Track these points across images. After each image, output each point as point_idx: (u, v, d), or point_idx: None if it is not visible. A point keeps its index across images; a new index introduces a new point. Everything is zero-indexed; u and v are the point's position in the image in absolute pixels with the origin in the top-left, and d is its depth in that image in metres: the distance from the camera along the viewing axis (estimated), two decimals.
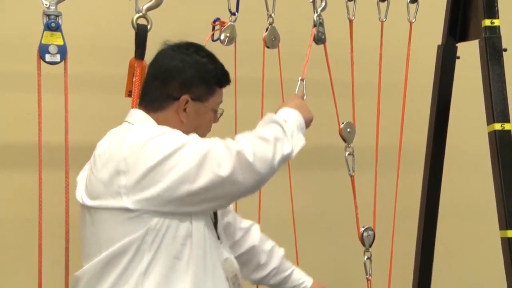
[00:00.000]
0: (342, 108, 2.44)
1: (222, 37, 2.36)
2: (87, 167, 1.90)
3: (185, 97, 1.86)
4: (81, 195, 1.83)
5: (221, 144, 1.72)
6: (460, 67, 2.52)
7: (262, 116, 2.36)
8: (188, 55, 1.91)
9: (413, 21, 2.61)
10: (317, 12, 2.30)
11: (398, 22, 2.58)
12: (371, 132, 2.55)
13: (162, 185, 1.71)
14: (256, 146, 1.73)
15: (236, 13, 2.35)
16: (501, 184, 2.21)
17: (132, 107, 2.17)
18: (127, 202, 1.73)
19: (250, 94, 2.04)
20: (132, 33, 2.24)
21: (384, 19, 2.56)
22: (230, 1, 2.36)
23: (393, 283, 2.57)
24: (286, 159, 1.78)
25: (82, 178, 1.88)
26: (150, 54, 2.18)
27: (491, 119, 2.23)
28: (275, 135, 1.76)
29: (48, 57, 2.20)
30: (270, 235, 2.27)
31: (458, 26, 2.53)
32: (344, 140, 2.34)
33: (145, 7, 2.24)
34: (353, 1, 2.49)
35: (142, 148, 1.72)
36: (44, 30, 2.17)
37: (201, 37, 2.29)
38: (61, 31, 2.19)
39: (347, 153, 2.35)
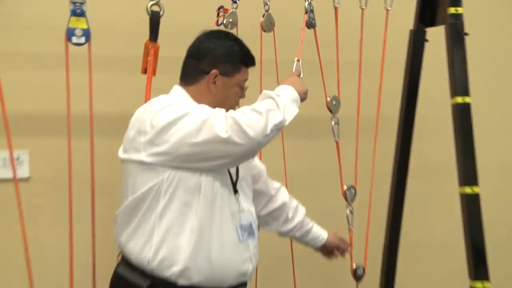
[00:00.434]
0: (329, 84, 2.50)
1: (225, 22, 2.39)
2: None
3: (214, 71, 1.96)
4: (120, 151, 1.96)
5: (221, 113, 1.83)
6: (428, 48, 2.55)
7: (260, 90, 2.41)
8: (219, 38, 2.01)
9: (389, 9, 2.66)
10: (308, 1, 2.35)
11: (377, 9, 2.64)
12: (353, 104, 2.59)
13: (169, 143, 1.81)
14: (250, 116, 1.80)
15: (237, 1, 2.38)
16: (461, 146, 2.22)
17: (147, 83, 2.28)
18: (143, 156, 1.85)
19: (250, 72, 2.07)
20: (147, 19, 2.26)
21: (364, 7, 2.61)
22: None
23: (371, 232, 2.64)
24: (279, 126, 1.83)
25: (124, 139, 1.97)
26: (162, 36, 2.29)
27: (454, 93, 2.25)
28: (267, 107, 1.83)
29: (74, 39, 2.25)
30: None
31: (427, 13, 2.53)
32: (331, 111, 2.37)
33: None
34: None
35: (157, 114, 1.84)
36: (71, 15, 2.21)
37: (207, 22, 2.35)
38: (85, 17, 2.23)
39: (333, 122, 2.37)
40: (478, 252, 2.17)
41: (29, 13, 2.64)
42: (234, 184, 1.98)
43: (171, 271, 1.85)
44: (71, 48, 2.25)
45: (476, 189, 2.19)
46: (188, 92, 1.98)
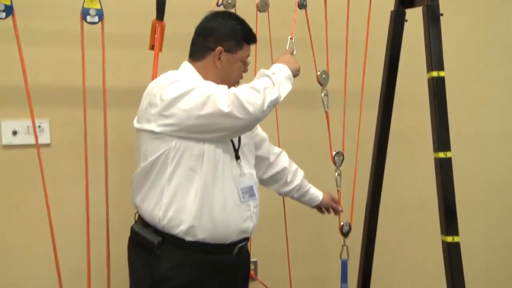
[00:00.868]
0: (319, 59, 2.51)
1: (224, 2, 2.39)
2: None
3: (219, 48, 1.98)
4: (135, 120, 1.98)
5: (224, 89, 1.86)
6: (408, 28, 2.54)
7: (255, 66, 2.42)
8: (223, 18, 2.02)
9: None
10: None
11: None
12: (341, 78, 2.59)
13: (176, 115, 1.84)
14: (249, 93, 1.84)
15: None
16: (436, 116, 2.22)
17: (154, 58, 2.28)
18: (154, 126, 1.88)
19: None
20: (154, 0, 2.26)
21: None
22: None
23: (356, 193, 2.65)
24: (274, 103, 1.87)
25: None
26: (168, 16, 2.29)
27: (430, 68, 2.25)
28: (265, 85, 1.86)
29: (88, 18, 2.27)
30: None
31: None
32: (320, 84, 2.36)
33: None
34: None
35: (166, 88, 1.87)
36: None
37: (208, 3, 2.35)
38: None
39: (322, 94, 2.36)
40: (450, 210, 2.19)
41: None
42: (236, 151, 2.01)
43: (179, 229, 1.90)
44: (86, 26, 2.28)
45: (448, 154, 2.20)
46: (196, 67, 2.01)
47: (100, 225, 2.39)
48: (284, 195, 2.43)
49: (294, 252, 2.89)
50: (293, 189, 2.36)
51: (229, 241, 1.98)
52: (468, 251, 2.40)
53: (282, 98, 1.89)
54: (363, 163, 2.68)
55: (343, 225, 2.51)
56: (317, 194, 2.41)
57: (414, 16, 2.47)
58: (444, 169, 2.20)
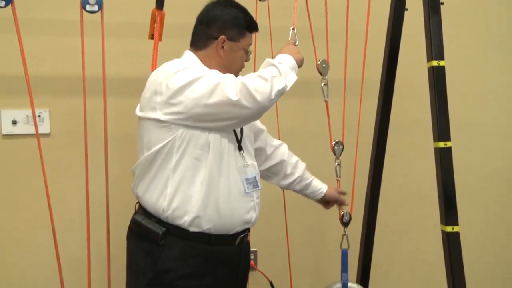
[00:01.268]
0: (319, 48, 2.51)
1: None
2: None
3: (222, 37, 1.97)
4: (137, 109, 1.96)
5: (232, 78, 1.85)
6: (408, 16, 2.55)
7: (255, 55, 2.41)
8: (225, 6, 2.01)
9: None
10: None
11: None
12: (341, 67, 2.59)
13: (183, 104, 1.82)
14: (257, 82, 1.83)
15: None
16: (436, 106, 2.22)
17: (154, 47, 2.27)
18: (159, 114, 1.86)
19: None
20: None
21: None
22: None
23: (356, 182, 2.65)
24: (281, 92, 1.87)
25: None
26: (167, 5, 2.28)
27: (430, 57, 2.24)
28: (272, 74, 1.86)
29: (88, 7, 2.27)
30: None
31: None
32: (321, 74, 2.35)
33: None
34: None
35: (172, 76, 1.85)
36: None
37: None
38: None
39: (322, 83, 2.34)
40: (449, 200, 2.19)
41: None
42: (239, 142, 2.00)
43: (184, 220, 1.89)
44: (86, 15, 2.28)
45: (448, 143, 2.20)
46: (198, 56, 1.99)
47: (100, 215, 2.40)
48: (286, 188, 2.41)
49: (293, 242, 2.90)
50: (293, 181, 2.34)
51: (232, 231, 1.97)
52: (468, 241, 2.40)
53: (288, 87, 1.89)
54: (363, 153, 2.68)
55: (343, 214, 2.50)
56: (320, 186, 2.38)
57: (415, 5, 2.45)
58: (444, 159, 2.20)
